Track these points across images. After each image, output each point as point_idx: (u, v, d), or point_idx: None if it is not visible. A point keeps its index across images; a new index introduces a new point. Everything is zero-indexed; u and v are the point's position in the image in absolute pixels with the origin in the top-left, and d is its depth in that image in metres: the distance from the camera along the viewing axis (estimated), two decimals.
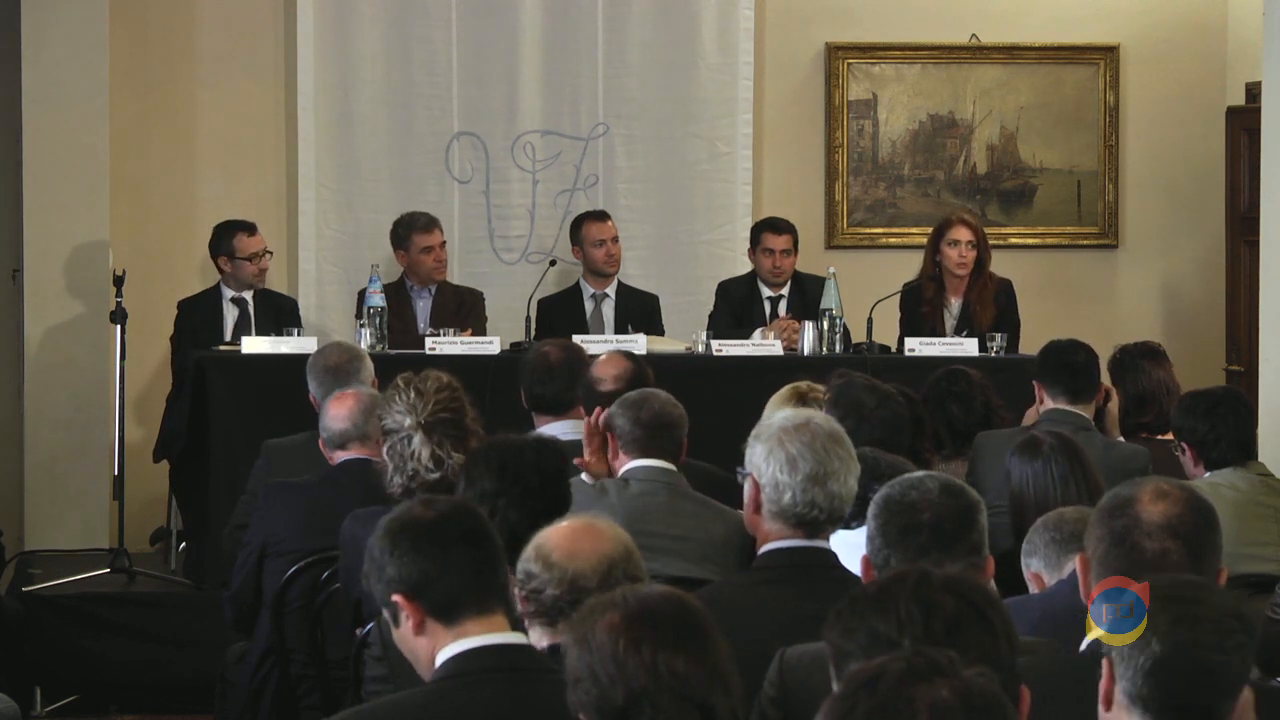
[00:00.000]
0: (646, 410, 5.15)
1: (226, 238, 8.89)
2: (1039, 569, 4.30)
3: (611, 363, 5.97)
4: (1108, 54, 10.21)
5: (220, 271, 8.89)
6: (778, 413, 4.38)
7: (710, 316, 9.10)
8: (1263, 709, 2.99)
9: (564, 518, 3.67)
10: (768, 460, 4.07)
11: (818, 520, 4.04)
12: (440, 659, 3.29)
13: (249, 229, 8.88)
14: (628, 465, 5.15)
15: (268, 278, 9.42)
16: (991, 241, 9.10)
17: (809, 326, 8.25)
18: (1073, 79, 10.23)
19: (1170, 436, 6.33)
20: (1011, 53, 10.18)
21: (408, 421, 4.95)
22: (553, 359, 6.14)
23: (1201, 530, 3.39)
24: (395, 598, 3.33)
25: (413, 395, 5.00)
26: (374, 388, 6.11)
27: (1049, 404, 6.43)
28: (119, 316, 8.26)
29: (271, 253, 8.95)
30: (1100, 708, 2.76)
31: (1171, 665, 2.74)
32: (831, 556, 4.06)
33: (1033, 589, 4.29)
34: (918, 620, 2.65)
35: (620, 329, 8.91)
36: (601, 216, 9.27)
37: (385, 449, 4.98)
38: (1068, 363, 6.49)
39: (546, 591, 3.45)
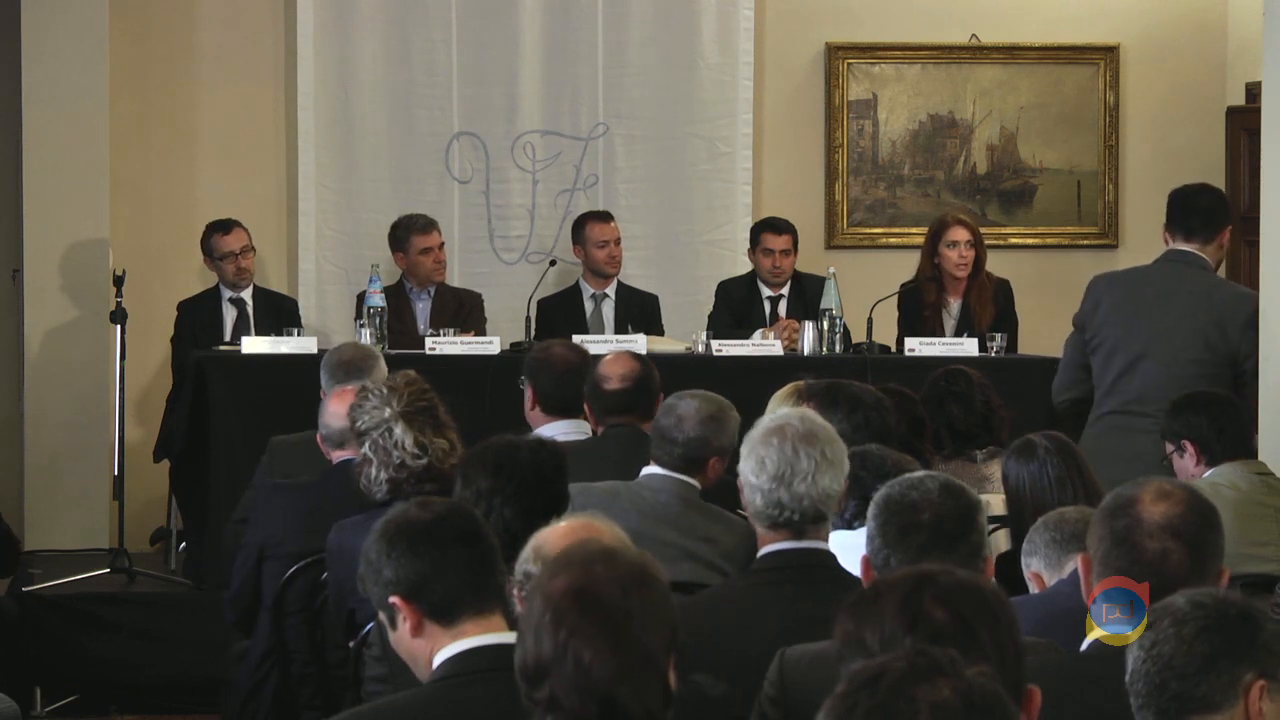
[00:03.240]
0: (669, 417, 5.10)
1: (206, 238, 8.96)
2: (1039, 569, 4.29)
3: (618, 362, 5.95)
4: (1108, 54, 10.21)
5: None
6: (767, 416, 4.37)
7: (710, 316, 9.10)
8: None
9: (562, 518, 3.67)
10: (745, 463, 4.10)
11: (791, 521, 4.02)
12: (438, 660, 3.29)
13: (224, 228, 8.92)
14: (644, 471, 5.15)
15: (267, 278, 9.43)
16: (991, 241, 9.10)
17: (809, 326, 8.25)
18: (1073, 79, 10.23)
19: None
20: (1011, 53, 10.18)
21: (386, 413, 4.95)
22: (576, 362, 6.11)
23: (1203, 531, 3.39)
24: (393, 600, 3.33)
25: (385, 391, 5.01)
26: None
27: (1171, 245, 6.87)
28: (119, 316, 8.26)
29: (254, 250, 8.95)
30: None
31: (1141, 673, 2.83)
32: (830, 557, 4.05)
33: (1033, 589, 4.29)
34: (900, 634, 2.63)
35: (620, 329, 8.91)
36: (605, 217, 9.27)
37: (366, 448, 4.98)
38: (1188, 205, 6.91)
39: None
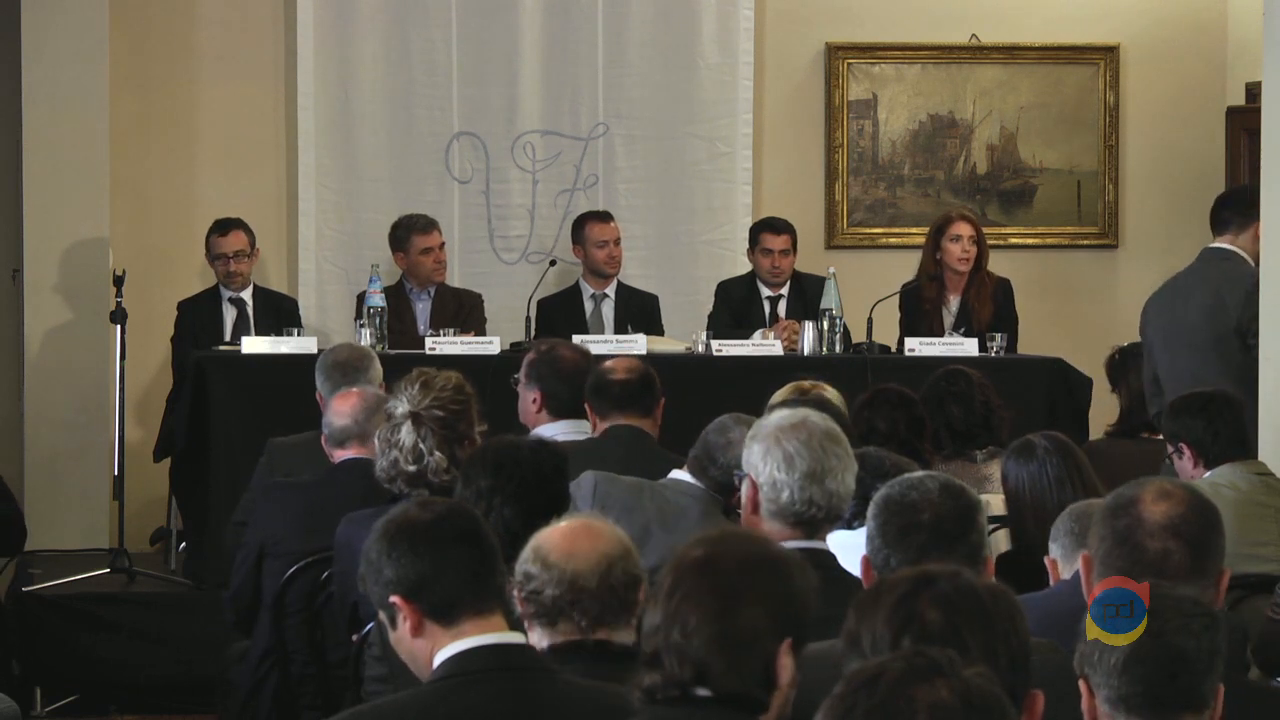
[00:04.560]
0: (721, 437, 5.07)
1: (207, 237, 8.96)
2: (1057, 556, 4.31)
3: (621, 360, 5.97)
4: (1108, 54, 10.21)
5: None
6: (774, 413, 4.37)
7: (710, 317, 9.10)
8: (1264, 710, 3.00)
9: (562, 518, 3.66)
10: (764, 459, 4.07)
11: (816, 519, 4.04)
12: (439, 659, 3.29)
13: (222, 228, 8.94)
14: (674, 474, 5.14)
15: (267, 277, 9.43)
16: (991, 241, 9.10)
17: (809, 326, 8.25)
18: (1073, 79, 10.22)
19: None
20: (1011, 53, 10.18)
21: (400, 410, 4.95)
22: (582, 363, 6.11)
23: (1204, 531, 3.40)
24: (393, 599, 3.33)
25: (417, 387, 5.00)
26: (382, 389, 6.08)
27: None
28: (119, 316, 8.26)
29: (249, 254, 8.94)
30: None
31: (1141, 657, 2.76)
32: (830, 558, 4.05)
33: (1050, 575, 4.30)
34: (887, 640, 2.62)
35: (620, 329, 8.91)
36: (605, 217, 9.27)
37: (378, 433, 4.99)
38: (1221, 199, 7.37)
39: (546, 592, 3.45)
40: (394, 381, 5.19)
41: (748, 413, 5.04)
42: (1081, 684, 2.82)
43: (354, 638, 4.78)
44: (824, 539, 4.10)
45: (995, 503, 5.32)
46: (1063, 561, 4.28)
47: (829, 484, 4.05)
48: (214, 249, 8.94)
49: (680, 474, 5.10)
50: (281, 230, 9.68)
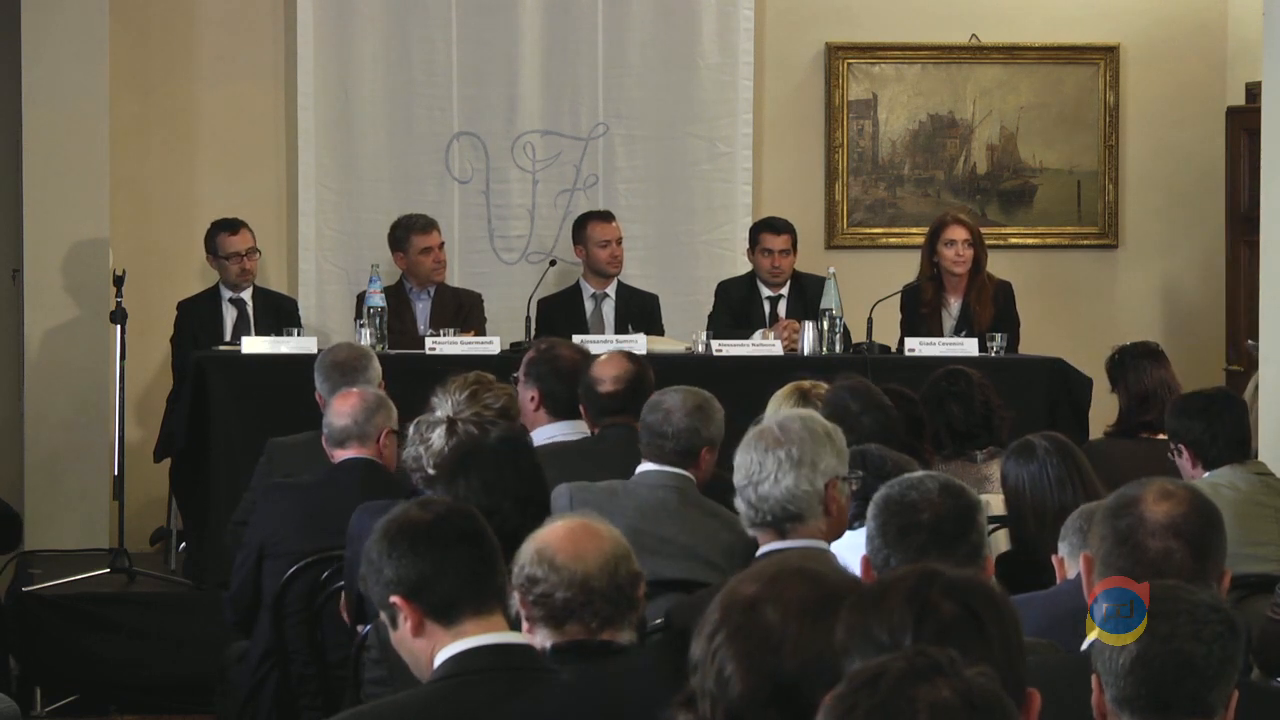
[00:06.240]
0: (656, 413, 5.11)
1: (211, 236, 8.95)
2: (1064, 554, 4.31)
3: (612, 363, 5.94)
4: (1108, 54, 10.21)
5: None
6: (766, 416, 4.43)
7: (710, 317, 9.10)
8: (1264, 710, 3.00)
9: (553, 518, 3.66)
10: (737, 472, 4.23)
11: (767, 521, 4.14)
12: (439, 659, 3.29)
13: (231, 228, 8.92)
14: (639, 469, 5.14)
15: (267, 278, 9.43)
16: (991, 241, 9.10)
17: (809, 326, 8.26)
18: (1073, 79, 10.22)
19: None
20: (1011, 53, 10.18)
21: (439, 413, 4.95)
22: (582, 363, 6.11)
23: (1205, 531, 3.40)
24: (394, 599, 3.33)
25: (465, 395, 4.98)
26: (381, 389, 6.08)
27: None
28: (119, 316, 8.26)
29: (259, 252, 8.96)
30: None
31: (1148, 659, 2.75)
32: (827, 555, 4.06)
33: (1057, 573, 4.30)
34: (908, 625, 2.61)
35: (620, 329, 8.91)
36: (607, 217, 9.27)
37: (416, 421, 4.99)
38: None
39: (558, 595, 3.43)
40: (395, 383, 5.18)
41: (747, 413, 5.05)
42: (1094, 679, 2.82)
43: (357, 627, 4.78)
44: (813, 536, 4.12)
45: (995, 503, 5.32)
46: (1069, 560, 4.29)
47: (762, 488, 4.16)
48: (224, 248, 8.90)
49: (645, 465, 5.12)
50: (281, 230, 9.68)
